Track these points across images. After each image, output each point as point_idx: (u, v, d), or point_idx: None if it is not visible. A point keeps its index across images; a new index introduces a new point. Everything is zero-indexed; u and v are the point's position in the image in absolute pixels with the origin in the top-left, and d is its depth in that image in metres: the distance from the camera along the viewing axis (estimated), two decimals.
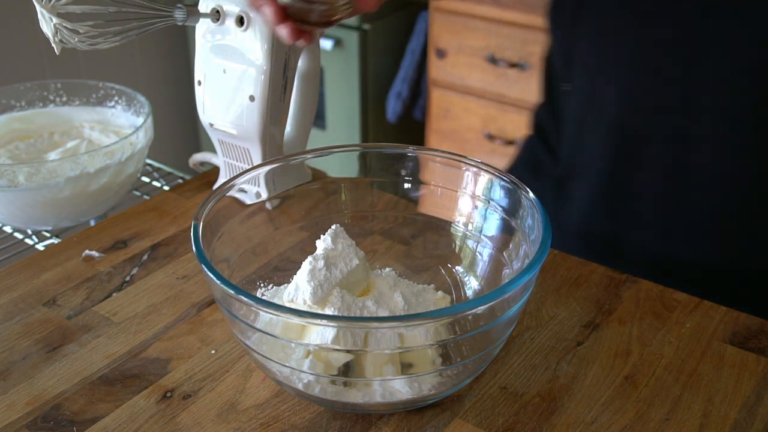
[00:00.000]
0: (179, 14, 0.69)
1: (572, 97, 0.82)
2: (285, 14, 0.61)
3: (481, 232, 0.66)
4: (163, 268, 0.73)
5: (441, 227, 0.68)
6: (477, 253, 0.66)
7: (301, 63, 0.78)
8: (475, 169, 0.65)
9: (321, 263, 0.57)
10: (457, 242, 0.68)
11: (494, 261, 0.64)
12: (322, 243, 0.59)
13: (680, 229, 0.77)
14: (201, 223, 0.57)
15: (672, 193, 0.76)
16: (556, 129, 0.87)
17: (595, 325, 0.65)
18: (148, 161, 1.00)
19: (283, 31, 0.61)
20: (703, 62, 0.70)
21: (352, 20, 1.95)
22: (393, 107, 2.08)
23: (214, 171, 0.89)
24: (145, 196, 0.95)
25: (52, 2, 0.64)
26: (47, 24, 0.65)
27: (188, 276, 0.72)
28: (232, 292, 0.50)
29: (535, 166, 0.89)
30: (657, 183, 0.77)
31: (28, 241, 0.89)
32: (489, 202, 0.64)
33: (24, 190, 0.80)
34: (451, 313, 0.51)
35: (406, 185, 0.69)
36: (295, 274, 0.59)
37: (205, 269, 0.52)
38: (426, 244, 0.70)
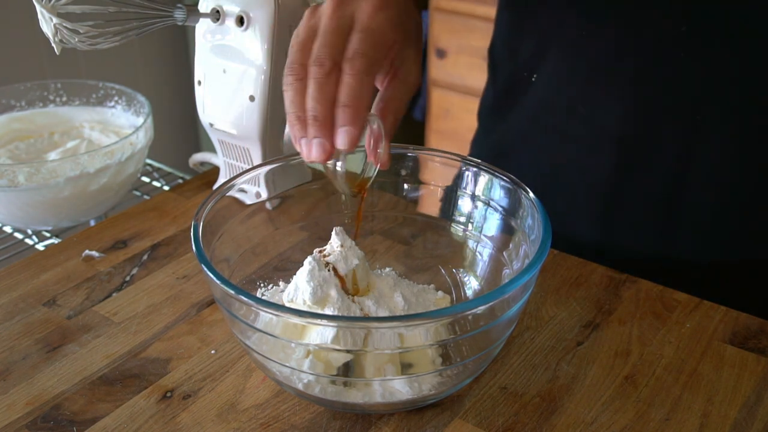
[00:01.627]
0: (179, 14, 0.69)
1: (538, 90, 0.79)
2: None
3: (481, 232, 0.66)
4: (163, 268, 0.73)
5: (441, 227, 0.68)
6: (477, 253, 0.66)
7: None
8: (475, 169, 0.65)
9: (321, 263, 0.57)
10: (457, 242, 0.68)
11: (494, 261, 0.64)
12: (330, 245, 0.59)
13: (680, 229, 0.77)
14: (201, 223, 0.57)
15: (672, 193, 0.75)
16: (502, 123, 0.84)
17: (595, 325, 0.65)
18: (148, 161, 1.00)
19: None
20: (710, 55, 0.68)
21: None
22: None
23: (214, 171, 0.89)
24: (145, 196, 0.95)
25: (52, 2, 0.64)
26: (47, 24, 0.65)
27: (188, 276, 0.72)
28: (232, 292, 0.50)
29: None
30: (657, 185, 0.76)
31: (28, 241, 0.89)
32: (489, 202, 0.64)
33: (24, 190, 0.80)
34: (451, 313, 0.51)
35: (406, 185, 0.69)
36: (295, 274, 0.59)
37: (205, 269, 0.52)
38: (426, 244, 0.70)
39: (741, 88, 0.69)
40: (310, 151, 0.55)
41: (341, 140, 0.54)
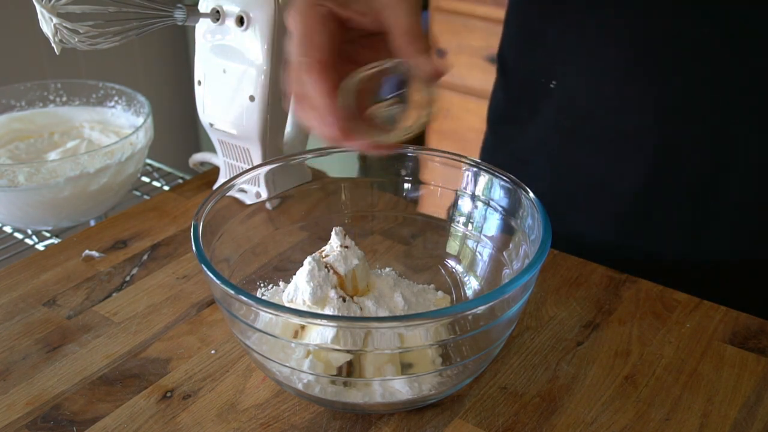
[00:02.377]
0: (179, 14, 0.69)
1: (556, 97, 0.77)
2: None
3: (481, 232, 0.66)
4: (163, 268, 0.73)
5: (441, 227, 0.68)
6: (477, 253, 0.66)
7: None
8: (475, 169, 0.65)
9: (320, 264, 0.57)
10: (457, 242, 0.68)
11: (494, 261, 0.64)
12: (331, 245, 0.59)
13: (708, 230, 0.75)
14: (201, 223, 0.57)
15: (701, 195, 0.73)
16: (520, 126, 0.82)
17: (595, 325, 0.65)
18: (148, 161, 1.00)
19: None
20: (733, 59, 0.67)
21: None
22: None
23: (214, 171, 0.89)
24: (145, 196, 0.95)
25: (52, 2, 0.64)
26: (47, 24, 0.65)
27: (188, 276, 0.72)
28: (232, 292, 0.50)
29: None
30: (686, 189, 0.73)
31: (28, 241, 0.89)
32: (489, 202, 0.64)
33: (24, 190, 0.80)
34: (451, 313, 0.51)
35: (406, 185, 0.69)
36: (295, 274, 0.59)
37: (205, 269, 0.52)
38: (426, 244, 0.70)
39: (761, 97, 0.68)
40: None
41: None
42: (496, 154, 0.88)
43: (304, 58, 0.54)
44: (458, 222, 0.67)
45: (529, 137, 0.82)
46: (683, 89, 0.70)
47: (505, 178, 0.62)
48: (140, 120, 0.92)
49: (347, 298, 0.57)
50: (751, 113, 0.69)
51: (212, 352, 0.63)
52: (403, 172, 0.69)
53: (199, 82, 0.78)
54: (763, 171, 0.71)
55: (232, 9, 0.73)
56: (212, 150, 0.86)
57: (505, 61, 0.85)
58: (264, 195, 0.68)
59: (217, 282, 0.51)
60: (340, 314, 0.55)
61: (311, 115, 0.55)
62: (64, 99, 0.97)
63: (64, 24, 0.64)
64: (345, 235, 0.60)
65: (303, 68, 0.54)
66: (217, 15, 0.74)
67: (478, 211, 0.66)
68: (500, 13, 0.86)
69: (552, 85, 0.77)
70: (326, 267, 0.57)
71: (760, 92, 0.68)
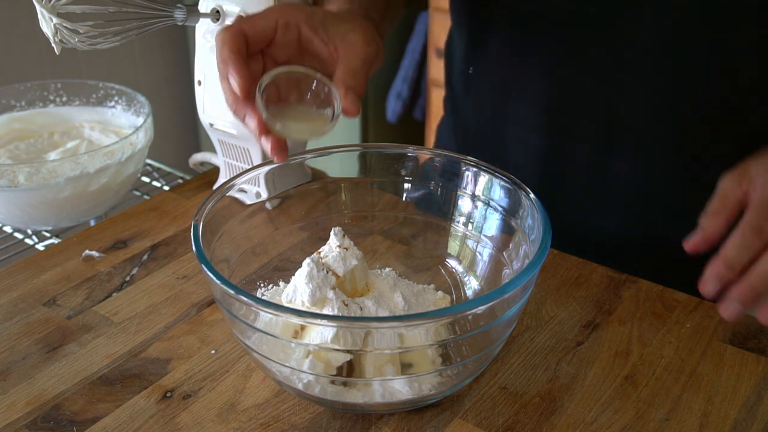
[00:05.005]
0: (179, 14, 0.69)
1: (485, 84, 0.82)
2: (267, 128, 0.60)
3: (481, 232, 0.66)
4: (163, 268, 0.73)
5: (441, 227, 0.69)
6: (477, 253, 0.66)
7: None
8: (475, 169, 0.65)
9: (319, 265, 0.57)
10: (457, 242, 0.68)
11: (494, 261, 0.64)
12: (329, 245, 0.59)
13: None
14: (201, 223, 0.57)
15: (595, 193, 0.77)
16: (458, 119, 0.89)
17: (595, 325, 0.65)
18: (148, 161, 1.00)
19: (266, 145, 0.59)
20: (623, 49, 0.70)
21: None
22: (393, 107, 2.08)
23: (214, 171, 0.89)
24: (145, 196, 0.95)
25: (52, 2, 0.64)
26: (47, 24, 0.65)
27: (188, 276, 0.72)
28: (232, 292, 0.50)
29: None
30: (582, 182, 0.78)
31: (28, 241, 0.89)
32: (489, 202, 0.64)
33: (24, 190, 0.80)
34: (451, 313, 0.51)
35: (406, 185, 0.69)
36: (294, 274, 0.59)
37: (205, 269, 0.52)
38: (426, 244, 0.70)
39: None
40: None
41: None
42: (449, 130, 0.94)
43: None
44: (458, 222, 0.67)
45: (471, 119, 0.88)
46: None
47: (505, 178, 0.62)
48: (140, 120, 0.92)
49: (348, 301, 0.57)
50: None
51: (212, 352, 0.63)
52: (403, 172, 0.69)
53: (199, 82, 0.78)
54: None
55: (232, 9, 0.73)
56: (212, 150, 0.86)
57: (448, 50, 0.92)
58: (264, 195, 0.68)
59: (217, 282, 0.51)
60: (339, 314, 0.55)
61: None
62: (64, 99, 0.97)
63: (64, 24, 0.64)
64: (344, 236, 0.60)
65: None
66: (217, 15, 0.74)
67: (478, 211, 0.66)
68: None
69: (470, 72, 0.83)
70: (325, 268, 0.57)
71: None
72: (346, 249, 0.59)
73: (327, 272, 0.57)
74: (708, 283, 0.57)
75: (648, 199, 0.76)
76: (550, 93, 0.76)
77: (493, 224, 0.64)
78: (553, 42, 0.74)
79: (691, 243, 0.61)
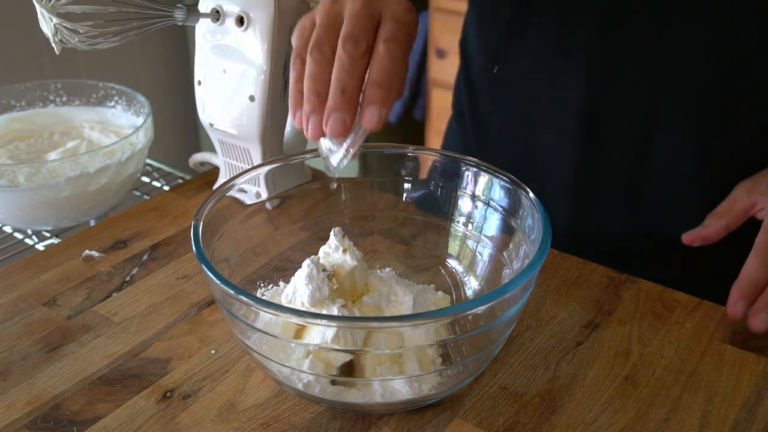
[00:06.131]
0: (179, 14, 0.69)
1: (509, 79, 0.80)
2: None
3: (481, 232, 0.66)
4: (163, 268, 0.73)
5: (441, 227, 0.69)
6: (477, 253, 0.66)
7: None
8: (475, 169, 0.65)
9: (318, 265, 0.57)
10: (457, 242, 0.68)
11: (494, 261, 0.64)
12: (329, 246, 0.59)
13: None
14: (201, 223, 0.57)
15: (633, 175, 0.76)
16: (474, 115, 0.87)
17: (595, 325, 0.65)
18: (148, 161, 1.00)
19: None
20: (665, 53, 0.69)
21: None
22: (393, 107, 2.08)
23: (214, 171, 0.89)
24: (145, 196, 0.95)
25: (52, 2, 0.64)
26: (47, 24, 0.65)
27: (188, 276, 0.72)
28: (232, 292, 0.50)
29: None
30: (619, 180, 0.77)
31: (28, 241, 0.89)
32: (489, 202, 0.64)
33: (24, 190, 0.80)
34: (451, 313, 0.51)
35: (406, 185, 0.69)
36: (294, 274, 0.59)
37: (205, 269, 0.52)
38: (426, 244, 0.70)
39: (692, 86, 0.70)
40: (324, 125, 0.54)
41: (370, 118, 0.54)
42: (456, 134, 0.93)
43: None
44: (458, 222, 0.67)
45: (485, 119, 0.86)
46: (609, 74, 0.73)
47: (505, 178, 0.62)
48: (140, 120, 0.92)
49: (348, 304, 0.57)
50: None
51: (212, 352, 0.63)
52: (403, 172, 0.69)
53: (199, 82, 0.78)
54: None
55: (232, 9, 0.73)
56: (212, 150, 0.86)
57: (465, 48, 0.89)
58: (264, 195, 0.68)
59: (217, 282, 0.51)
60: (339, 314, 0.55)
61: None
62: (64, 99, 0.97)
63: (64, 24, 0.64)
64: (344, 236, 0.60)
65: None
66: (217, 15, 0.74)
67: (478, 211, 0.66)
68: None
69: (495, 71, 0.81)
70: (324, 269, 0.57)
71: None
72: (346, 249, 0.59)
73: (326, 273, 0.57)
74: (737, 305, 0.59)
75: (674, 202, 0.76)
76: (588, 94, 0.74)
77: (493, 224, 0.64)
78: (595, 34, 0.72)
79: (690, 236, 0.63)
